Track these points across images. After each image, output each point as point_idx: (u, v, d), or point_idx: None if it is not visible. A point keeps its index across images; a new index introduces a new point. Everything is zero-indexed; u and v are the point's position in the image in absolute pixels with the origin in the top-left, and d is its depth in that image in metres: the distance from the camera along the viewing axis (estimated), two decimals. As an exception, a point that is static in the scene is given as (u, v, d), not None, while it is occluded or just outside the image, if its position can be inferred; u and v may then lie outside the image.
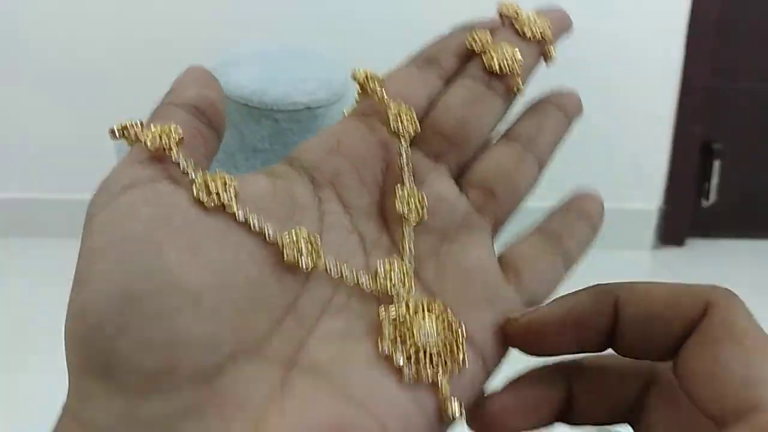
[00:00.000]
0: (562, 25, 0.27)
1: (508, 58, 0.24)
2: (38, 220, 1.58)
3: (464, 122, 0.24)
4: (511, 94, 0.25)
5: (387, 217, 0.23)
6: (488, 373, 0.21)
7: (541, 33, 0.25)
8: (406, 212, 0.22)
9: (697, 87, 1.57)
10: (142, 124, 0.21)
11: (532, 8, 0.26)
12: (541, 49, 0.26)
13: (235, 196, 0.20)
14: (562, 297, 0.20)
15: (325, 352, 0.19)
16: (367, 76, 0.24)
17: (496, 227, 0.24)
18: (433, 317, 0.20)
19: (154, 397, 0.17)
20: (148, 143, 0.20)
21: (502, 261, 0.23)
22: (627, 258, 1.56)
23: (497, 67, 0.24)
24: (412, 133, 0.24)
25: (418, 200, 0.23)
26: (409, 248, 0.22)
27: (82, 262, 0.18)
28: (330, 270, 0.20)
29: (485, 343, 0.21)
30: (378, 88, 0.24)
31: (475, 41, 0.25)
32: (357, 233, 0.22)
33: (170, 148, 0.20)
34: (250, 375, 0.18)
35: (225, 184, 0.20)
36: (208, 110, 0.22)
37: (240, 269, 0.19)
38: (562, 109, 0.25)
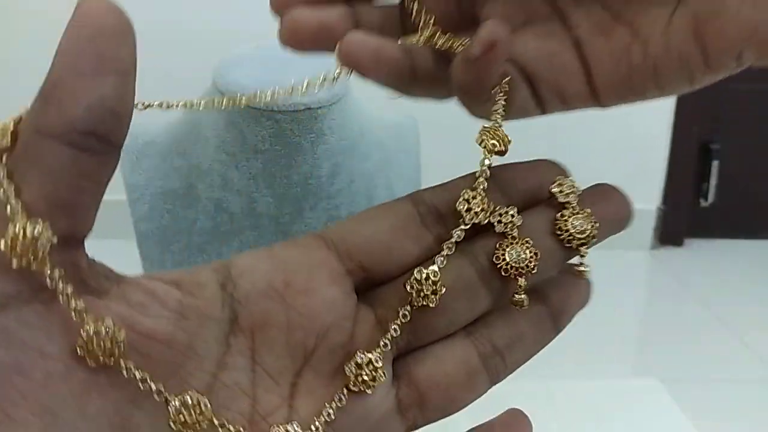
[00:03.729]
0: (616, 222, 0.21)
1: (521, 260, 0.19)
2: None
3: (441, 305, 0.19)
4: (505, 302, 0.20)
5: (296, 390, 0.19)
6: None
7: (579, 236, 0.20)
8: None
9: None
10: (6, 193, 0.14)
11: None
12: (568, 253, 0.20)
13: (124, 351, 0.16)
14: None
15: None
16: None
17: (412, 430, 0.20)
18: None
19: None
20: (8, 255, 0.14)
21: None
22: (626, 258, 1.56)
23: (504, 266, 0.19)
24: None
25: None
26: None
27: None
28: None
29: None
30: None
31: (501, 221, 0.19)
32: (250, 399, 0.18)
33: (39, 263, 0.14)
34: None
35: (114, 337, 0.15)
36: (106, 125, 0.15)
37: None
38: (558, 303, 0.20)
